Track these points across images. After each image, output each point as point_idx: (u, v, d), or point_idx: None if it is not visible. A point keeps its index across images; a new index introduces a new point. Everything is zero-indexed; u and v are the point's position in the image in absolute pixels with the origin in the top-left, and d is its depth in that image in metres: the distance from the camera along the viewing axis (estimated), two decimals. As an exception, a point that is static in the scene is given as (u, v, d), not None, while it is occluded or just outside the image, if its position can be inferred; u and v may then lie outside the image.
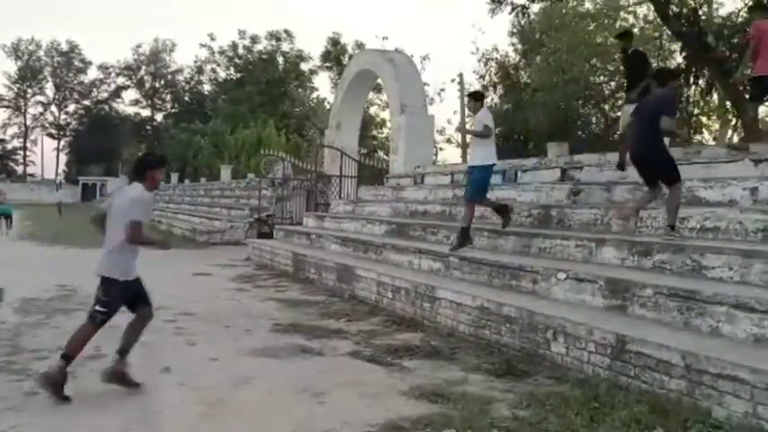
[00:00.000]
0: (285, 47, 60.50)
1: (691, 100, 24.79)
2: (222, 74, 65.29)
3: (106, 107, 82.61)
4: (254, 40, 60.72)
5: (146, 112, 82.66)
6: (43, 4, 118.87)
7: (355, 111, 18.97)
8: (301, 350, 6.21)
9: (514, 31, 33.84)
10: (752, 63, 7.97)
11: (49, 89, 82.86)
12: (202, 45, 69.09)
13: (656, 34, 28.04)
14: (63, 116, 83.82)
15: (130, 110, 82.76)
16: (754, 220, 5.96)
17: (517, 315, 5.94)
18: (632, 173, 7.61)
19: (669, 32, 22.73)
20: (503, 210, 8.39)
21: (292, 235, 14.37)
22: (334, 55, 51.59)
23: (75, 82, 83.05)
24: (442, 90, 46.93)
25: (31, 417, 4.31)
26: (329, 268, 10.30)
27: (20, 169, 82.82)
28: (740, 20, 18.95)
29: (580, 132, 29.94)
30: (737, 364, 3.99)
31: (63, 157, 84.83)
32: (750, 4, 8.96)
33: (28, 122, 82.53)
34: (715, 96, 23.39)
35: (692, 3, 18.74)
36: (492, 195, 10.56)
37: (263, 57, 59.98)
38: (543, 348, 5.57)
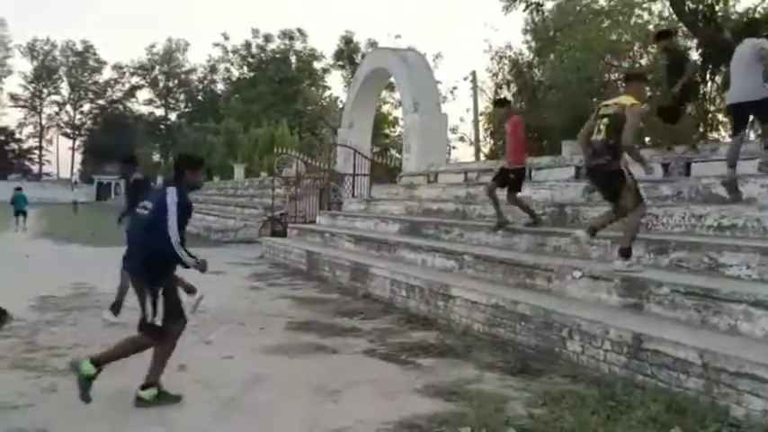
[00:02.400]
0: (298, 46, 60.70)
1: (707, 97, 24.54)
2: (235, 73, 65.62)
3: (120, 106, 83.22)
4: (268, 39, 60.95)
5: (159, 112, 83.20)
6: (58, 5, 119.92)
7: (368, 109, 18.98)
8: (315, 348, 6.22)
9: (528, 28, 33.64)
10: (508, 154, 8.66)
11: (65, 89, 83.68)
12: (216, 44, 69.56)
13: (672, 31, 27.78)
14: (78, 116, 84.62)
15: (144, 109, 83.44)
16: (772, 217, 5.89)
17: (532, 313, 5.91)
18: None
19: (685, 29, 22.51)
20: None
21: (306, 233, 14.40)
22: (347, 53, 51.61)
23: (90, 82, 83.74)
24: (455, 88, 46.52)
25: (50, 413, 4.35)
26: (343, 266, 10.31)
27: (35, 168, 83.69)
28: (758, 15, 18.75)
29: (594, 130, 29.69)
30: (756, 363, 3.95)
31: (78, 157, 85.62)
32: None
33: (43, 122, 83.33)
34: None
35: (708, -1, 18.56)
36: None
37: (277, 56, 60.17)
38: (558, 347, 5.54)
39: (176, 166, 4.85)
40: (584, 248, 6.72)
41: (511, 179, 8.44)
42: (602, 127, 5.95)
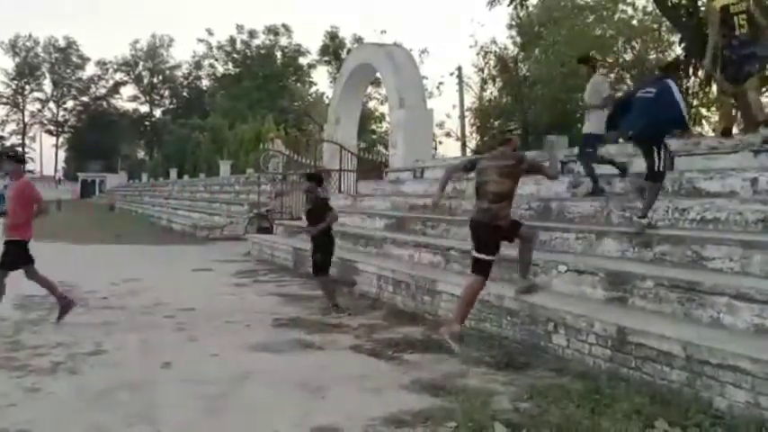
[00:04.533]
0: (283, 41, 60.50)
1: (690, 91, 24.73)
2: (220, 69, 65.29)
3: (104, 103, 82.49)
4: (252, 34, 60.70)
5: (144, 108, 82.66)
6: (40, 1, 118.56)
7: (354, 105, 18.92)
8: (302, 345, 6.21)
9: (513, 23, 33.74)
10: None
11: (47, 85, 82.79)
12: (200, 40, 68.81)
13: (655, 26, 27.97)
14: (61, 112, 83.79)
15: (129, 106, 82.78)
16: (753, 210, 5.94)
17: (518, 308, 5.93)
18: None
19: (668, 24, 22.66)
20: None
21: (292, 230, 14.35)
22: (333, 49, 51.54)
23: (73, 78, 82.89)
24: (441, 84, 46.74)
25: (33, 413, 4.31)
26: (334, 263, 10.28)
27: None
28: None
29: (579, 125, 29.86)
30: (738, 355, 3.99)
31: (62, 154, 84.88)
32: None
33: (26, 119, 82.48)
34: (714, 88, 23.30)
35: (690, -7, 18.64)
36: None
37: (262, 51, 59.93)
38: (544, 341, 5.57)
39: (665, 68, 7.45)
40: None
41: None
42: None
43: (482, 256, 5.87)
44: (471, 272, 5.99)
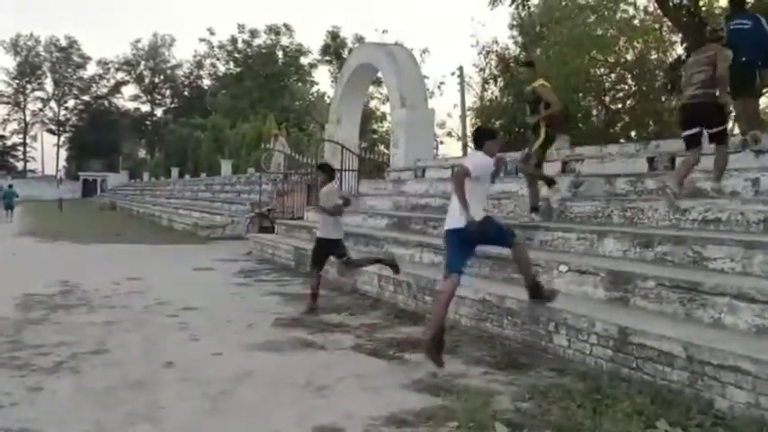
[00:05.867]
0: (284, 41, 60.58)
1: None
2: (222, 68, 65.38)
3: (106, 102, 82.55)
4: (254, 34, 60.76)
5: (145, 108, 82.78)
6: (42, 0, 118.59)
7: (355, 105, 18.92)
8: (303, 344, 6.22)
9: (514, 23, 33.73)
10: None
11: (49, 85, 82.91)
12: (201, 39, 68.80)
13: (657, 26, 27.96)
14: (63, 112, 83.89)
15: (130, 105, 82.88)
16: (755, 210, 5.95)
17: (519, 308, 5.94)
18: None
19: (670, 24, 22.65)
20: None
21: (293, 229, 14.37)
22: (334, 49, 51.59)
23: (75, 77, 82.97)
24: (442, 83, 46.72)
25: (35, 412, 4.32)
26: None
27: (20, 165, 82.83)
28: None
29: (581, 125, 29.84)
30: (739, 355, 3.99)
31: (63, 153, 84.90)
32: None
33: (27, 118, 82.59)
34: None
35: (692, -7, 18.63)
36: (493, 188, 10.58)
37: (263, 51, 59.99)
38: (545, 341, 5.57)
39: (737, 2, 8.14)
40: None
41: None
42: None
43: (715, 129, 6.62)
44: (710, 143, 6.75)
